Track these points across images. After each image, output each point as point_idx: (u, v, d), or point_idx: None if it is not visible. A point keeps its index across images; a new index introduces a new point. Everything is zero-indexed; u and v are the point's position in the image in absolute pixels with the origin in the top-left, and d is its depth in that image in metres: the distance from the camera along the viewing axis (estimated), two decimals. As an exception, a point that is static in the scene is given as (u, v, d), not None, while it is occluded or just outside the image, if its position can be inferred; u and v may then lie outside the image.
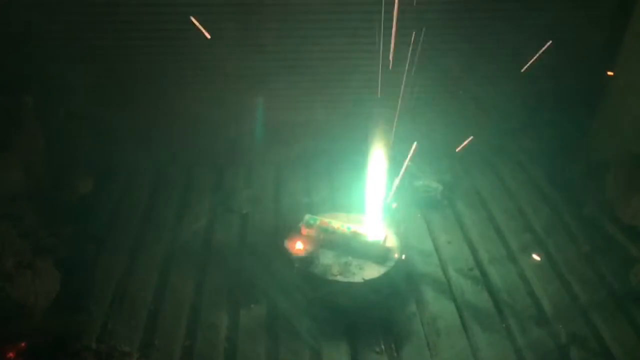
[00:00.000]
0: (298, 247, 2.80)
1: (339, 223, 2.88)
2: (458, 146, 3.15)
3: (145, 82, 3.51)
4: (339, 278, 2.64)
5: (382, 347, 2.53)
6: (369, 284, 2.64)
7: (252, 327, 2.61)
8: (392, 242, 2.86)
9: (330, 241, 2.82)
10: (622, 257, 3.02)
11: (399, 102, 2.81)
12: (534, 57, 3.08)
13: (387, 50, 2.77)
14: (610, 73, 3.58)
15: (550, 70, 3.50)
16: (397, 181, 2.90)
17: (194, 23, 2.86)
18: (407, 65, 2.85)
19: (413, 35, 2.88)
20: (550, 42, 2.99)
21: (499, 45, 3.59)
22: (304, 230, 2.84)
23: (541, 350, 2.52)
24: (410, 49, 2.87)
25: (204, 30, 2.89)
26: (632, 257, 2.99)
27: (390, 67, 2.81)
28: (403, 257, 2.81)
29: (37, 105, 3.20)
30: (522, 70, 3.17)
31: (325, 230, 2.84)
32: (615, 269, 2.98)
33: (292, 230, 2.89)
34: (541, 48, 3.03)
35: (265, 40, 3.48)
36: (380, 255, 2.76)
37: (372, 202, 2.87)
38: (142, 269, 2.95)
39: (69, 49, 3.34)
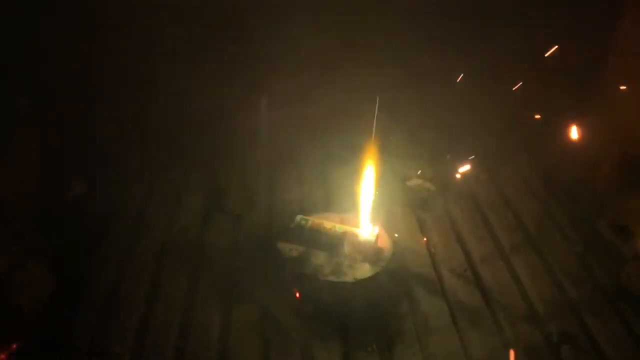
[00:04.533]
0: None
1: (331, 223, 2.88)
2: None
3: (137, 81, 3.52)
4: (331, 278, 2.65)
5: (374, 346, 2.52)
6: (361, 283, 2.65)
7: (244, 327, 2.61)
8: (384, 241, 2.86)
9: (321, 241, 2.82)
10: (613, 256, 3.03)
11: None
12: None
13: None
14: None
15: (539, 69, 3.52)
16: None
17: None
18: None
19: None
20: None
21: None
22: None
23: (532, 348, 2.53)
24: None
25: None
26: (623, 256, 3.00)
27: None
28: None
29: (32, 107, 3.21)
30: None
31: (317, 230, 2.85)
32: (607, 268, 2.99)
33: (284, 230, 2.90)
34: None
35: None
36: (371, 254, 2.77)
37: (364, 201, 2.88)
38: (135, 270, 2.94)
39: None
